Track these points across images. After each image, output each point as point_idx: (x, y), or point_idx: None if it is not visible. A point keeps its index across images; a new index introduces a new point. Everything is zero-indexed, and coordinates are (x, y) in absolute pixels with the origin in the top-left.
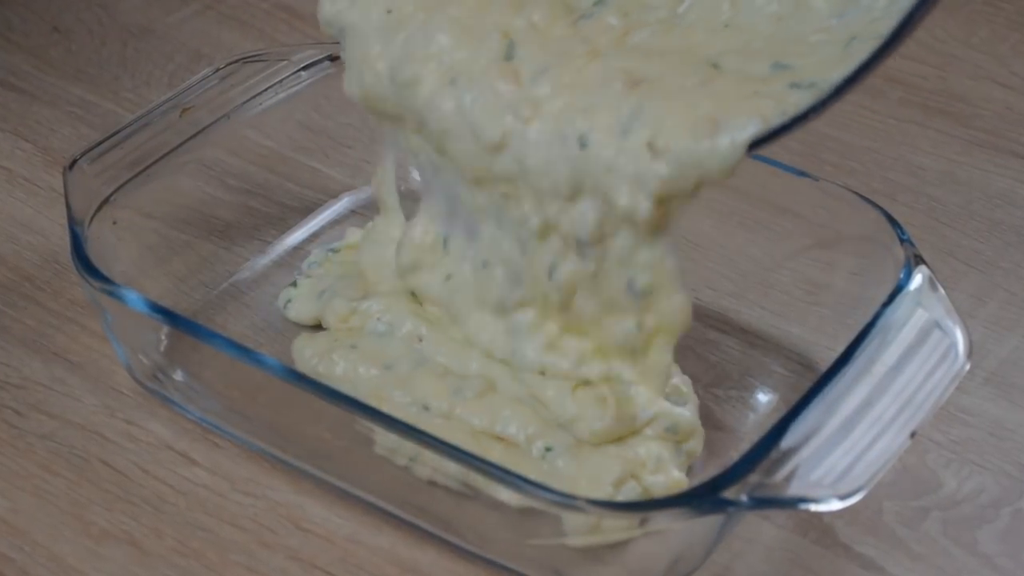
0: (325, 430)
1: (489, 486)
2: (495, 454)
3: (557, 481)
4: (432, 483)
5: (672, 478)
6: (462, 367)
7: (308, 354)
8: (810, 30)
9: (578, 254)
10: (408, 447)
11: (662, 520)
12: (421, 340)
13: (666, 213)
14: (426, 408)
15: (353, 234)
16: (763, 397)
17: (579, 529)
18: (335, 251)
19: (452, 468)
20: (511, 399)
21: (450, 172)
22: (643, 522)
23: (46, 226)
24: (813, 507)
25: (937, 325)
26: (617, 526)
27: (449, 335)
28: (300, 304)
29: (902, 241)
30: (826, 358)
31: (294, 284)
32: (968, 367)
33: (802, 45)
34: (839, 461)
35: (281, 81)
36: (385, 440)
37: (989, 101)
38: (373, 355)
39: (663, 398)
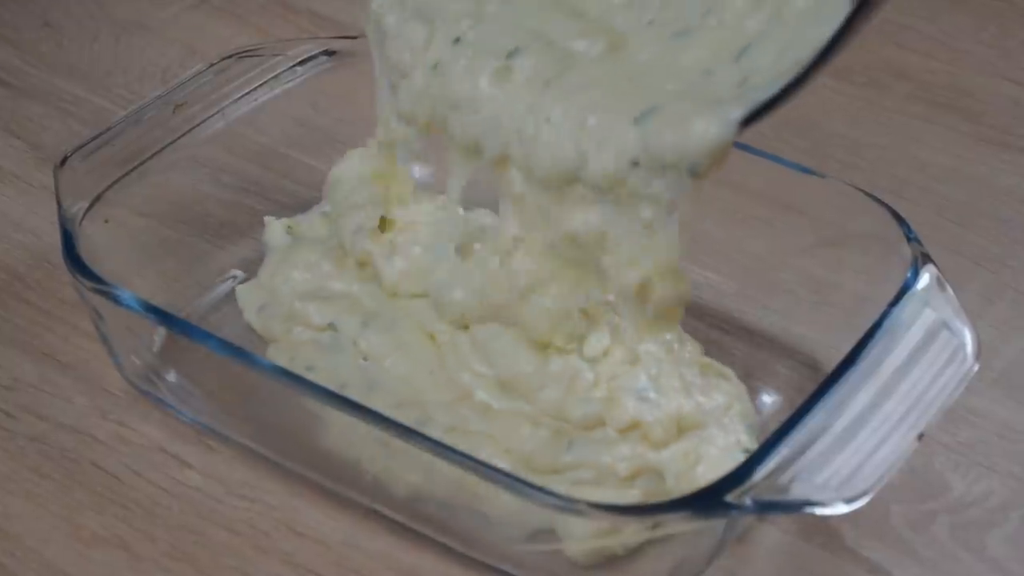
0: (320, 433)
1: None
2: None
3: None
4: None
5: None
6: (414, 392)
7: None
8: (668, 81)
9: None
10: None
11: (664, 525)
12: (366, 359)
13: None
14: (386, 445)
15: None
16: (767, 398)
17: (580, 535)
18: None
19: (445, 480)
20: (482, 435)
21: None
22: (644, 527)
23: (37, 224)
24: (818, 511)
25: (945, 325)
26: (619, 531)
27: (391, 336)
28: (247, 315)
29: (909, 239)
30: (832, 359)
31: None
32: (977, 368)
33: (661, 94)
34: (845, 464)
35: (276, 76)
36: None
37: (998, 97)
38: (328, 377)
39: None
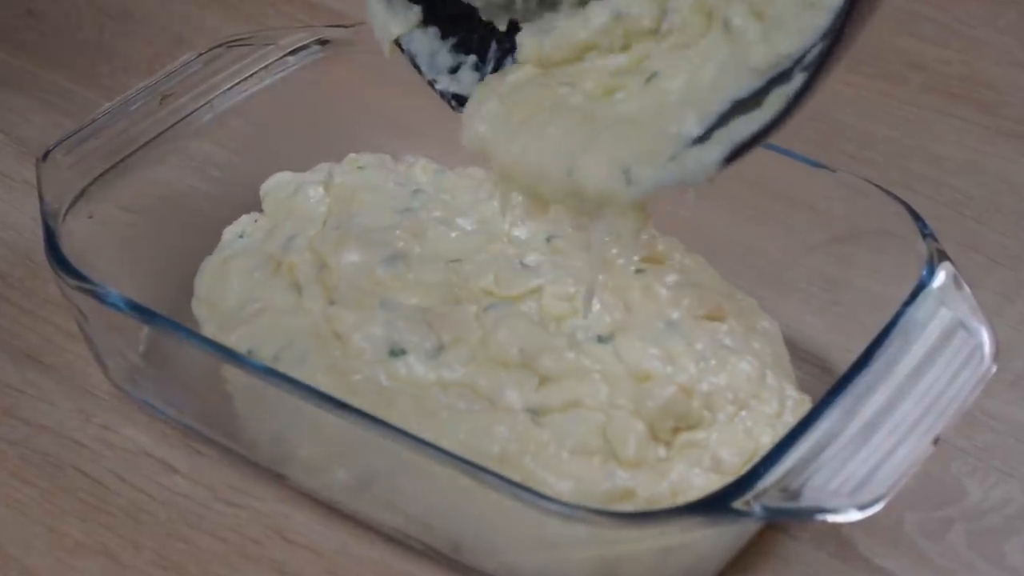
0: (313, 436)
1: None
2: None
3: None
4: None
5: None
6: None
7: None
8: None
9: None
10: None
11: (669, 531)
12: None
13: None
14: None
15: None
16: None
17: (581, 541)
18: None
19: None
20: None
21: None
22: (648, 534)
23: (18, 220)
24: (830, 518)
25: (962, 325)
26: (622, 537)
27: (299, 374)
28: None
29: (925, 236)
30: (844, 360)
31: None
32: (994, 369)
33: None
34: (858, 469)
35: (267, 67)
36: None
37: (1016, 88)
38: None
39: None
